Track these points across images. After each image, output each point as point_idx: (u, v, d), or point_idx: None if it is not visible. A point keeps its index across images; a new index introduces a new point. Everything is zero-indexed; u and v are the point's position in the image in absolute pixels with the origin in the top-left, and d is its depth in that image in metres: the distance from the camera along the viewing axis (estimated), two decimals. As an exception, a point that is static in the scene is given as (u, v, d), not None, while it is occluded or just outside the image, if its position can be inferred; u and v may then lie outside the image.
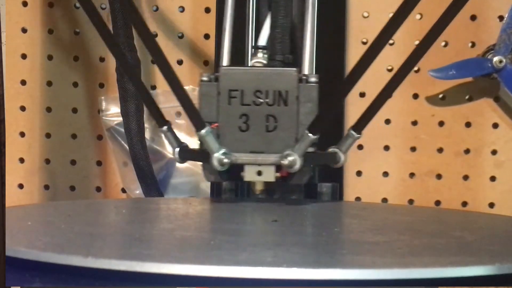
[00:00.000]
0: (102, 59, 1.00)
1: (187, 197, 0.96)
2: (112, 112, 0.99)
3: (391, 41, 0.96)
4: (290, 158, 0.68)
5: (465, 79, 0.95)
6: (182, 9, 0.99)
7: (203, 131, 0.69)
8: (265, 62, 0.75)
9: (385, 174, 0.97)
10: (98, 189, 1.02)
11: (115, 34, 0.86)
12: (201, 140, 0.70)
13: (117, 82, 0.91)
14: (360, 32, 0.96)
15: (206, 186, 0.95)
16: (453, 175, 0.96)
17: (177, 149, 0.73)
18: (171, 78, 0.67)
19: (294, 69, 0.71)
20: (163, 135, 0.73)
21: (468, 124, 0.96)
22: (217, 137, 0.70)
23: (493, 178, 0.96)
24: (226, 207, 0.76)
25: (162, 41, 0.99)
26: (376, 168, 0.97)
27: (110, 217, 0.70)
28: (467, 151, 0.96)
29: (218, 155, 0.69)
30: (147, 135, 0.95)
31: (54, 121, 1.02)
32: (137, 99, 0.90)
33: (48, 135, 1.02)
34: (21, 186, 1.02)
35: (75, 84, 1.00)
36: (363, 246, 0.55)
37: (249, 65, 0.76)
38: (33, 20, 1.00)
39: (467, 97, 0.97)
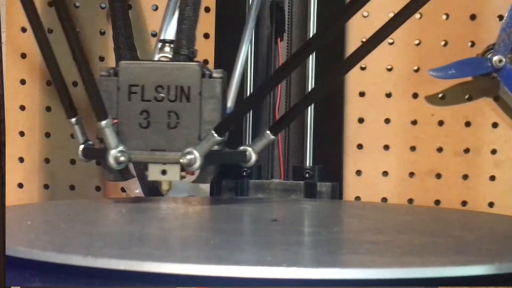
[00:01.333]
0: (101, 59, 1.00)
1: (186, 196, 0.96)
2: (112, 111, 0.99)
3: (390, 41, 0.96)
4: (189, 157, 0.66)
5: (464, 79, 0.95)
6: (182, 9, 0.99)
7: (103, 122, 0.66)
8: (170, 56, 0.72)
9: (385, 173, 0.97)
10: (98, 188, 1.02)
11: (115, 33, 0.86)
12: (101, 132, 0.67)
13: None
14: (360, 32, 0.96)
15: (205, 185, 0.95)
16: (452, 174, 0.96)
17: (81, 146, 0.71)
18: (78, 57, 0.64)
19: (197, 63, 0.69)
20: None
21: (467, 124, 0.96)
22: (117, 134, 0.68)
23: (492, 178, 0.96)
24: (226, 207, 0.76)
25: (162, 41, 0.99)
26: (375, 168, 0.97)
27: (110, 216, 0.70)
28: (466, 151, 0.96)
29: (115, 152, 0.66)
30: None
31: (53, 121, 1.02)
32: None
33: (47, 135, 1.02)
34: (20, 185, 1.02)
35: (75, 84, 1.00)
36: (362, 246, 0.55)
37: (155, 59, 0.73)
38: (33, 19, 1.00)
39: (466, 96, 0.97)
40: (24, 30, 1.00)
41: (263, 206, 0.77)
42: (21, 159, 1.02)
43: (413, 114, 0.97)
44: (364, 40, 0.97)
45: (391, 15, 0.96)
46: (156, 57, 0.72)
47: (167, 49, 0.73)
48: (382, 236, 0.60)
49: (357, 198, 0.98)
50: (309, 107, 0.88)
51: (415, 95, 0.97)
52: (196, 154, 0.66)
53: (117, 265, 0.46)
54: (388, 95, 0.97)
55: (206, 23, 0.97)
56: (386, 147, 0.97)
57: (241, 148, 0.71)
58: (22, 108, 1.02)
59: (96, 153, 0.71)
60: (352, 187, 0.97)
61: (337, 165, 0.94)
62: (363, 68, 0.96)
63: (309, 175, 0.88)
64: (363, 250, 0.54)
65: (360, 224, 0.67)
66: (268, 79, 0.69)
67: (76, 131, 0.71)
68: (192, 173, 0.69)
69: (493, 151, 0.96)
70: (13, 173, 1.01)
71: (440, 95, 0.97)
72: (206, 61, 0.96)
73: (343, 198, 0.93)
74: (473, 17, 0.95)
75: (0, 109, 0.93)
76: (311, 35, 0.89)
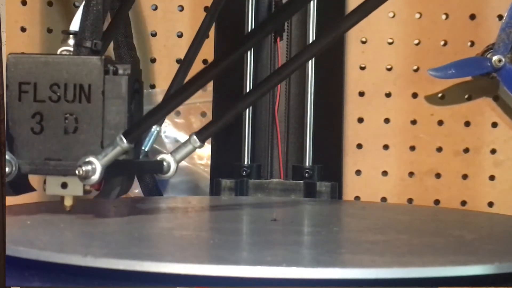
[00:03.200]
0: (101, 58, 1.00)
1: (186, 196, 0.96)
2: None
3: (390, 40, 0.96)
4: (86, 168, 0.57)
5: (464, 78, 0.95)
6: (181, 8, 0.99)
7: None
8: (71, 50, 0.62)
9: (384, 173, 0.97)
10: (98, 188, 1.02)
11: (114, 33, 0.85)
12: None
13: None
14: (359, 31, 0.96)
15: (205, 185, 0.95)
16: (452, 174, 0.96)
17: None
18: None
19: (98, 57, 0.60)
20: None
21: (467, 123, 0.96)
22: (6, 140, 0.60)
23: (492, 177, 0.96)
24: (225, 206, 0.76)
25: (161, 40, 0.99)
26: (375, 167, 0.97)
27: (109, 216, 0.70)
28: (466, 150, 0.96)
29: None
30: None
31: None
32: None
33: (47, 134, 1.02)
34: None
35: None
36: (362, 245, 0.55)
37: (57, 53, 0.63)
38: (32, 19, 1.00)
39: (466, 96, 0.96)
40: (23, 29, 1.00)
41: (262, 205, 0.77)
42: (21, 159, 1.02)
43: (413, 113, 0.97)
44: (364, 40, 0.97)
45: (391, 15, 0.96)
46: (58, 51, 0.63)
47: (70, 41, 0.62)
48: (381, 236, 0.60)
49: (357, 197, 0.98)
50: (308, 107, 0.88)
51: (414, 95, 0.97)
52: (96, 163, 0.57)
53: (117, 265, 0.46)
54: (388, 95, 0.97)
55: (206, 22, 0.96)
56: (386, 147, 0.97)
57: (160, 156, 0.63)
58: None
59: None
60: (351, 186, 0.97)
61: (336, 165, 0.94)
62: (362, 68, 0.96)
63: (309, 175, 0.88)
64: (363, 249, 0.54)
65: (359, 224, 0.67)
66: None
67: None
68: (98, 187, 0.60)
69: (493, 151, 0.96)
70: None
71: (439, 95, 0.97)
72: (205, 61, 0.95)
73: (343, 197, 0.93)
74: (472, 17, 0.95)
75: (0, 109, 0.93)
76: (310, 35, 0.89)
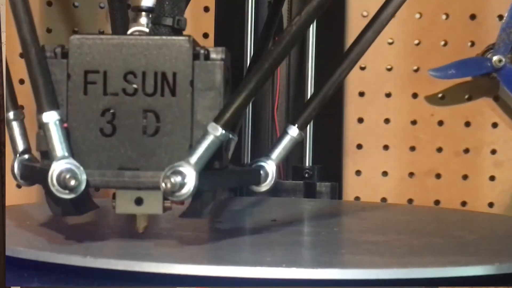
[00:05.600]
0: (101, 58, 1.00)
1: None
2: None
3: (390, 41, 0.96)
4: (174, 179, 0.45)
5: (464, 79, 0.95)
6: (181, 8, 0.99)
7: (47, 115, 0.46)
8: (146, 31, 0.51)
9: (384, 173, 0.97)
10: (97, 188, 1.02)
11: (114, 33, 0.85)
12: (44, 132, 0.46)
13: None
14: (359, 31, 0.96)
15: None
16: (452, 174, 0.96)
17: (17, 160, 0.51)
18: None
19: (185, 37, 0.48)
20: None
21: (467, 124, 0.96)
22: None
23: (492, 178, 0.96)
24: (225, 207, 0.76)
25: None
26: (375, 168, 0.97)
27: (109, 216, 0.69)
28: (466, 151, 0.96)
29: (60, 172, 0.45)
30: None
31: (52, 120, 1.01)
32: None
33: (46, 135, 1.02)
34: (19, 185, 1.02)
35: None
36: (362, 246, 0.55)
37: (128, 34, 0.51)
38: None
39: (466, 96, 0.96)
40: (23, 29, 1.00)
41: (262, 206, 0.77)
42: (20, 159, 1.02)
43: (413, 114, 0.97)
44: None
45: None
46: (129, 32, 0.52)
47: (143, 20, 0.51)
48: (382, 236, 0.60)
49: (357, 198, 0.97)
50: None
51: (414, 95, 0.97)
52: (187, 171, 0.45)
53: (116, 265, 0.46)
54: (388, 95, 0.97)
55: (205, 22, 0.96)
56: (386, 147, 0.97)
57: (255, 164, 0.51)
58: (21, 107, 1.01)
59: (36, 175, 0.49)
60: (351, 187, 0.97)
61: (336, 165, 0.94)
62: (362, 68, 0.96)
63: (309, 175, 0.88)
64: (362, 250, 0.53)
65: (359, 224, 0.67)
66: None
67: (13, 130, 0.51)
68: (182, 203, 0.49)
69: (493, 151, 0.96)
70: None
71: (440, 95, 0.96)
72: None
73: (343, 198, 0.93)
74: (473, 17, 0.95)
75: (0, 109, 0.93)
76: (310, 34, 0.89)
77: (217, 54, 0.48)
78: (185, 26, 0.51)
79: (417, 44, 0.96)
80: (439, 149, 0.97)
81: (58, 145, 0.45)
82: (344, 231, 0.65)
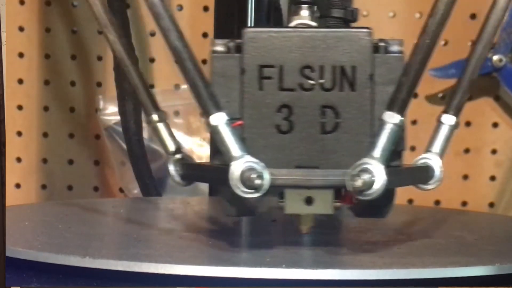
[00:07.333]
0: (99, 58, 1.00)
1: (185, 196, 0.96)
2: (110, 111, 0.98)
3: (390, 40, 0.96)
4: (364, 177, 0.43)
5: (464, 78, 0.95)
6: (180, 8, 0.99)
7: (216, 116, 0.44)
8: (312, 23, 0.49)
9: (384, 173, 0.97)
10: (96, 188, 1.02)
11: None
12: (214, 136, 0.45)
13: (115, 81, 0.91)
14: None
15: (204, 185, 0.95)
16: (452, 174, 0.96)
17: (173, 159, 0.50)
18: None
19: (366, 30, 0.47)
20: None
21: (468, 124, 0.96)
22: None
23: (493, 178, 0.96)
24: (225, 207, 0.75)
25: (161, 40, 0.98)
26: (375, 168, 0.97)
27: (108, 217, 0.69)
28: (467, 151, 0.96)
29: (241, 169, 0.44)
30: (145, 134, 0.95)
31: (51, 121, 1.01)
32: (135, 97, 0.90)
33: (45, 135, 1.02)
34: (18, 185, 1.02)
35: (73, 83, 0.99)
36: (362, 246, 0.55)
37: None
38: (30, 18, 1.00)
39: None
40: (21, 29, 1.00)
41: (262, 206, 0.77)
42: (19, 159, 1.02)
43: (413, 114, 0.96)
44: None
45: (391, 14, 0.96)
46: (292, 25, 0.49)
47: (304, 13, 0.49)
48: (382, 236, 0.59)
49: (357, 198, 0.97)
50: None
51: (415, 95, 0.96)
52: (374, 167, 0.43)
53: (115, 266, 0.46)
54: (388, 95, 0.96)
55: (205, 22, 0.96)
56: (386, 147, 0.97)
57: (420, 160, 0.50)
58: (20, 107, 1.02)
59: (202, 173, 0.49)
60: (351, 187, 0.97)
61: (336, 165, 0.93)
62: (362, 68, 0.96)
63: (309, 175, 0.87)
64: (362, 250, 0.53)
65: (359, 224, 0.67)
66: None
67: (161, 132, 0.50)
68: (351, 201, 0.48)
69: (493, 151, 0.96)
70: (11, 174, 1.01)
71: (440, 95, 0.96)
72: (204, 61, 0.95)
73: (343, 198, 0.92)
74: (473, 16, 0.95)
75: (0, 109, 0.93)
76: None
77: (397, 47, 0.48)
78: (357, 17, 0.50)
79: (417, 44, 0.96)
80: (439, 149, 0.96)
81: (234, 145, 0.44)
82: (344, 231, 0.64)
